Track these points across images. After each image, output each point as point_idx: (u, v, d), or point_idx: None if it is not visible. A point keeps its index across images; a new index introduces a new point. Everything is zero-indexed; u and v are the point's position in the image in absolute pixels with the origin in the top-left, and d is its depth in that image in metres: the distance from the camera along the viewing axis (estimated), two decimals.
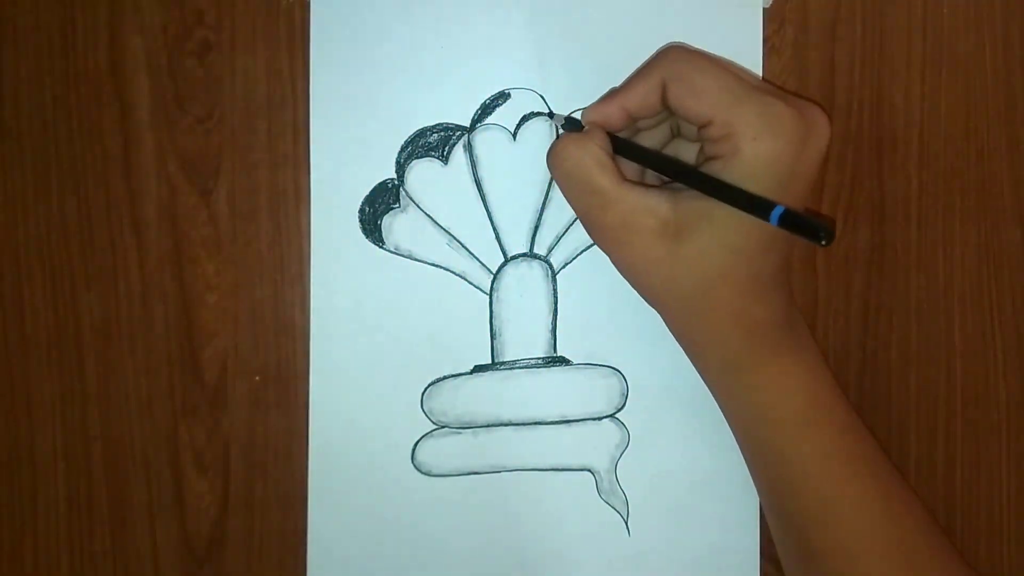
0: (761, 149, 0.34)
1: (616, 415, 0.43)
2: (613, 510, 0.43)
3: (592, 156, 0.37)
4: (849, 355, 0.44)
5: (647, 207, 0.36)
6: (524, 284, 0.43)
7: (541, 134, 0.42)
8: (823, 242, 0.32)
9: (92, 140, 0.42)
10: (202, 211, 0.42)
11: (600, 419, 0.43)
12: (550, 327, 0.43)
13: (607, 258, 0.43)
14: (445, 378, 0.42)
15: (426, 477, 0.42)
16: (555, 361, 0.43)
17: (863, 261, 0.44)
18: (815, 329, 0.44)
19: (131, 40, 0.42)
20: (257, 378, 0.42)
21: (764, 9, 0.43)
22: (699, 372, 0.40)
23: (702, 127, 0.35)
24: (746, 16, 0.43)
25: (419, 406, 0.42)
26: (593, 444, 0.43)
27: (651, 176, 0.40)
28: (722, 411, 0.40)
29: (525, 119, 0.42)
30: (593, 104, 0.38)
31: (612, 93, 0.38)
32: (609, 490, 0.43)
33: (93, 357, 0.42)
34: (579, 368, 0.43)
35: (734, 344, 0.37)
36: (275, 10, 0.42)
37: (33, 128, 0.42)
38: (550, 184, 0.42)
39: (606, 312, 0.43)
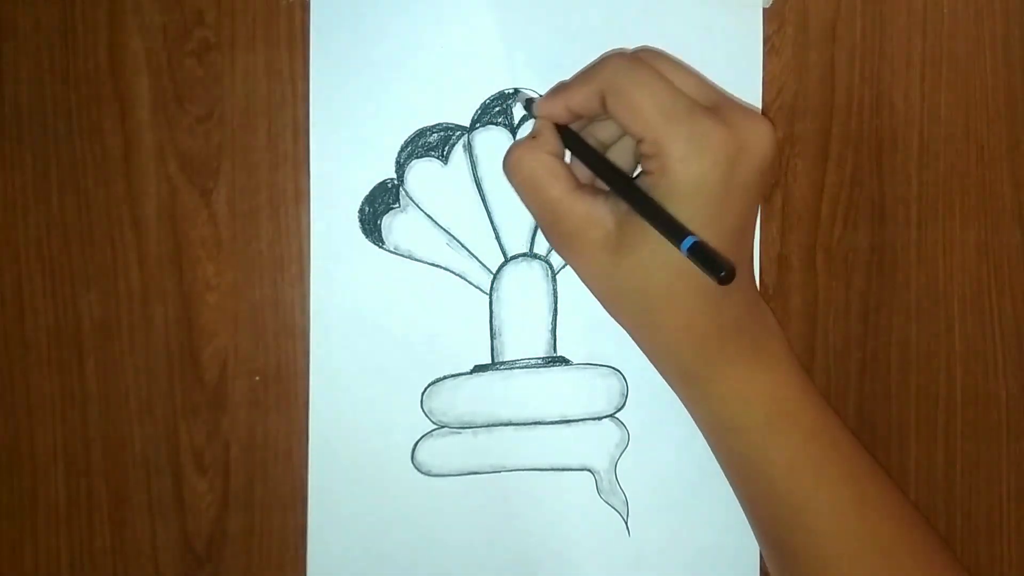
0: (688, 171, 0.33)
1: (616, 415, 0.43)
2: (613, 510, 0.43)
3: (544, 165, 0.37)
4: (849, 355, 0.44)
5: (594, 218, 0.36)
6: (524, 284, 0.43)
7: None
8: (721, 281, 0.31)
9: (92, 140, 0.42)
10: (202, 211, 0.42)
11: (600, 419, 0.43)
12: (550, 327, 0.43)
13: None
14: (445, 378, 0.42)
15: (426, 477, 0.42)
16: (555, 361, 0.43)
17: (863, 261, 0.44)
18: (815, 329, 0.44)
19: (131, 40, 0.42)
20: (257, 378, 0.42)
21: (764, 9, 0.43)
22: (665, 380, 0.40)
23: (637, 142, 0.35)
24: (746, 16, 0.43)
25: (419, 406, 0.42)
26: (593, 444, 0.43)
27: None
28: (691, 417, 0.40)
29: (525, 119, 0.42)
30: (543, 98, 0.38)
31: (559, 89, 0.38)
32: (609, 490, 0.43)
33: (93, 357, 0.42)
34: (579, 368, 0.43)
35: (686, 356, 0.37)
36: (275, 10, 0.42)
37: (33, 128, 0.42)
38: None
39: (606, 312, 0.43)
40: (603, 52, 0.42)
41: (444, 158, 0.42)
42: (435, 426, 0.42)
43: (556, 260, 0.43)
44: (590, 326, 0.43)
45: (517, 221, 0.42)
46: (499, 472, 0.43)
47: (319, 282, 0.42)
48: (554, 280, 0.43)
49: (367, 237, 0.42)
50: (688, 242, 0.32)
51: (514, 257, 0.43)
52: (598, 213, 0.36)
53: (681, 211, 0.34)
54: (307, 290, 0.42)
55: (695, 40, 0.42)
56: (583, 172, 0.39)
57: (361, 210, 0.42)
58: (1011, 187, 0.44)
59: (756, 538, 0.41)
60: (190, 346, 0.42)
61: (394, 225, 0.42)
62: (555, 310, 0.43)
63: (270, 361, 0.42)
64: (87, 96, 0.42)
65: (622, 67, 0.36)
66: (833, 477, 0.38)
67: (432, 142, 0.42)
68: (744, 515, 0.41)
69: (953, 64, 0.44)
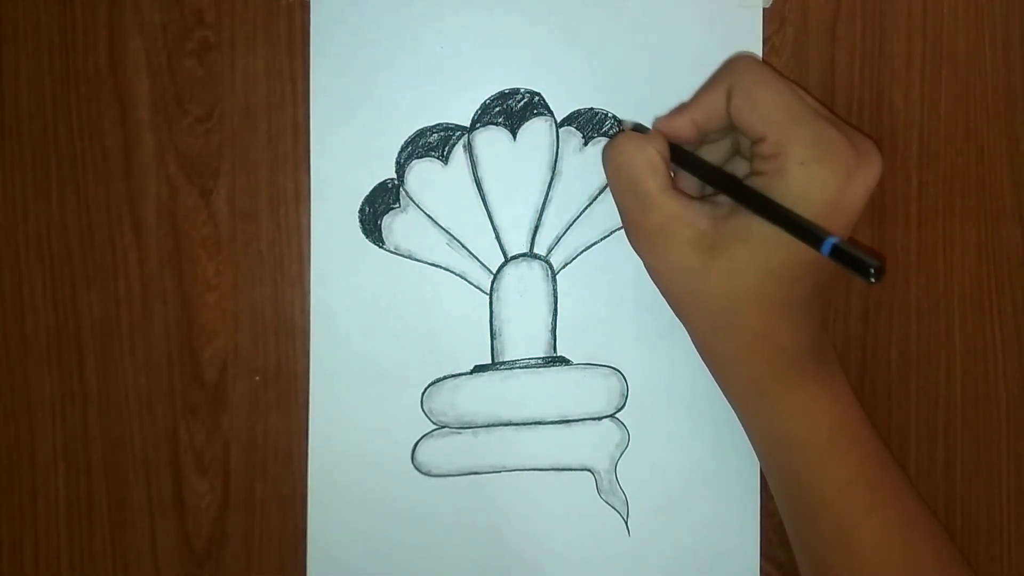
0: (807, 174, 0.33)
1: (616, 415, 0.43)
2: (613, 510, 0.43)
3: (646, 157, 0.36)
4: (849, 355, 0.44)
5: (687, 217, 0.36)
6: (524, 284, 0.43)
7: (541, 134, 0.42)
8: (872, 279, 0.31)
9: (92, 140, 0.42)
10: (202, 211, 0.42)
11: (600, 419, 0.43)
12: (550, 327, 0.43)
13: (607, 258, 0.43)
14: (445, 378, 0.42)
15: (426, 477, 0.42)
16: (555, 361, 0.43)
17: None
18: None
19: (131, 40, 0.42)
20: (257, 378, 0.42)
21: (764, 9, 0.43)
22: (721, 390, 0.39)
23: (755, 142, 0.35)
24: (746, 16, 0.43)
25: (419, 406, 0.42)
26: (593, 444, 0.43)
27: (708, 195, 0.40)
28: (746, 432, 0.40)
29: (525, 119, 0.42)
30: (664, 117, 0.38)
31: (682, 106, 0.38)
32: (609, 490, 0.43)
33: (93, 357, 0.42)
34: (579, 368, 0.43)
35: (758, 366, 0.37)
36: (275, 10, 0.42)
37: (33, 128, 0.42)
38: (550, 184, 0.42)
39: (606, 312, 0.43)
40: (604, 52, 0.42)
41: (444, 158, 0.42)
42: (435, 426, 0.42)
43: (556, 260, 0.43)
44: (590, 326, 0.43)
45: (517, 221, 0.43)
46: (499, 472, 0.43)
47: (319, 282, 0.42)
48: (554, 280, 0.43)
49: (367, 237, 0.42)
50: (830, 242, 0.32)
51: (514, 257, 0.43)
52: (693, 213, 0.36)
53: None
54: (307, 290, 0.42)
55: (695, 40, 0.42)
56: (689, 189, 0.39)
57: (361, 210, 0.42)
58: (1011, 187, 0.44)
59: (796, 555, 0.40)
60: (190, 346, 0.42)
61: (394, 225, 0.42)
62: (555, 310, 0.43)
63: (270, 361, 0.42)
64: (87, 96, 0.42)
65: (748, 67, 0.36)
66: (883, 502, 0.38)
67: (432, 142, 0.42)
68: (739, 519, 0.41)
69: (953, 64, 0.44)
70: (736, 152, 0.40)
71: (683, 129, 0.37)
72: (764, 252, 0.34)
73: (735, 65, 0.37)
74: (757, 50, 0.43)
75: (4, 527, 0.42)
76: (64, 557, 0.42)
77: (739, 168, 0.39)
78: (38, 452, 0.42)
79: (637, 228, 0.37)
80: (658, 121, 0.38)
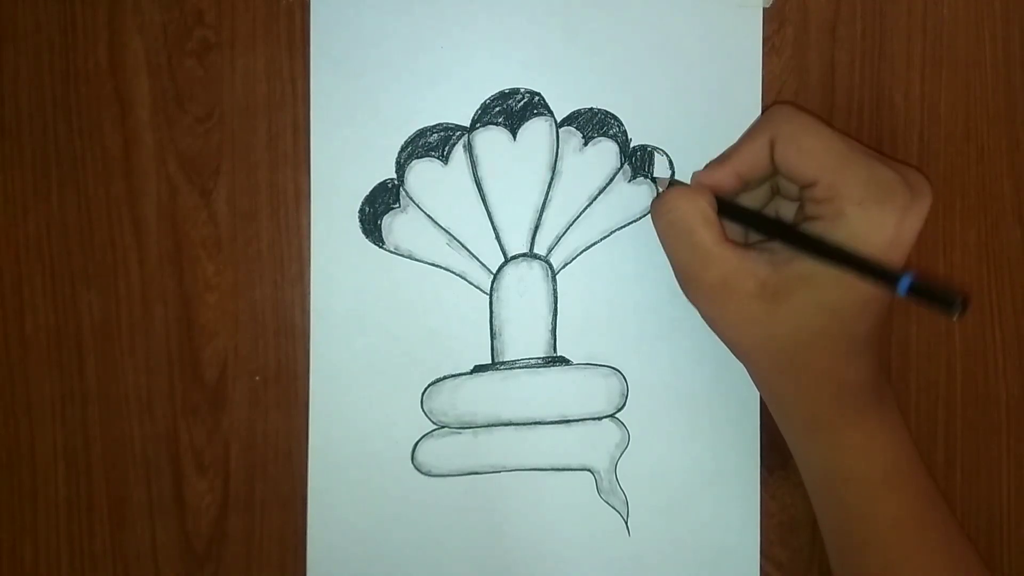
0: (866, 215, 0.33)
1: (616, 415, 0.43)
2: (613, 510, 0.43)
3: (699, 210, 0.36)
4: None
5: (747, 268, 0.36)
6: (524, 284, 0.43)
7: (541, 134, 0.42)
8: (955, 315, 0.30)
9: (92, 140, 0.42)
10: (202, 211, 0.42)
11: (600, 419, 0.43)
12: (550, 327, 0.43)
13: (607, 258, 0.43)
14: (445, 378, 0.42)
15: (426, 477, 0.42)
16: (555, 361, 0.43)
17: None
18: None
19: (131, 40, 0.42)
20: (257, 378, 0.42)
21: (764, 9, 0.43)
22: (780, 427, 0.40)
23: (805, 187, 0.35)
24: (746, 16, 0.43)
25: (419, 406, 0.42)
26: (593, 444, 0.43)
27: (753, 239, 0.40)
28: (798, 464, 0.40)
29: (527, 117, 0.42)
30: (704, 170, 0.38)
31: (722, 158, 0.38)
32: (609, 490, 0.43)
33: (93, 357, 0.42)
34: (579, 368, 0.43)
35: (821, 403, 0.37)
36: (275, 10, 0.42)
37: (33, 128, 0.42)
38: (550, 184, 0.42)
39: (606, 312, 0.43)
40: (604, 52, 0.42)
41: (444, 158, 0.42)
42: (435, 426, 0.42)
43: (556, 260, 0.43)
44: (590, 326, 0.43)
45: (517, 221, 0.43)
46: (499, 472, 0.43)
47: (319, 282, 0.42)
48: (554, 280, 0.43)
49: (367, 237, 0.42)
50: (906, 281, 0.32)
51: (514, 257, 0.43)
52: (752, 264, 0.36)
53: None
54: (307, 290, 0.42)
55: (695, 40, 0.42)
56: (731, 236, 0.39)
57: (361, 210, 0.42)
58: (1011, 187, 0.44)
59: None
60: (190, 346, 0.42)
61: (394, 225, 0.42)
62: (555, 310, 0.43)
63: (270, 361, 0.42)
64: (87, 96, 0.42)
65: (790, 115, 0.36)
66: (932, 540, 0.38)
67: (432, 142, 0.42)
68: (739, 519, 0.41)
69: (953, 64, 0.44)
70: (776, 193, 0.40)
71: (726, 181, 0.37)
72: (829, 293, 0.34)
73: (775, 115, 0.36)
74: (757, 50, 0.43)
75: (4, 527, 0.42)
76: (64, 557, 0.42)
77: (782, 208, 0.39)
78: (38, 452, 0.42)
79: (695, 283, 0.37)
80: (699, 175, 0.38)
